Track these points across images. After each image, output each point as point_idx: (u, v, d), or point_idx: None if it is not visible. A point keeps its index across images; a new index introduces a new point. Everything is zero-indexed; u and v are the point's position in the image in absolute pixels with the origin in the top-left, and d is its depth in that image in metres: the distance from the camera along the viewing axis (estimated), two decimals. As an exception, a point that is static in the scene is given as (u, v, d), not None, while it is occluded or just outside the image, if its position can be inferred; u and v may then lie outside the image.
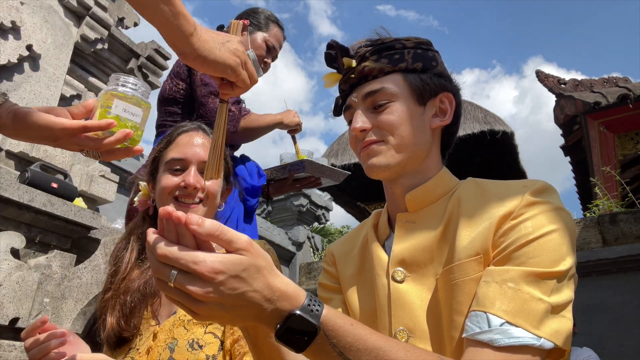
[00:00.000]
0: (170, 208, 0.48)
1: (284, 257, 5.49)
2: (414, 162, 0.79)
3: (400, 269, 0.75)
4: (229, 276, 0.47)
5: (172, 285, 0.47)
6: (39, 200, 1.98)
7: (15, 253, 1.84)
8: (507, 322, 0.59)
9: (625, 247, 3.00)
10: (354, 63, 0.82)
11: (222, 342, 0.88)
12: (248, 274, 0.48)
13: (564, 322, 0.60)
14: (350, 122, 0.84)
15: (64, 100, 2.78)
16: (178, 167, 1.02)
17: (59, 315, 1.84)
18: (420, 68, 0.81)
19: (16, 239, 1.86)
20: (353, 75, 0.82)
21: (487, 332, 0.59)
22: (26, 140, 0.79)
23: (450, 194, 0.79)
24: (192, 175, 1.00)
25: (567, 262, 0.63)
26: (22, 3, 2.56)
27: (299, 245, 5.64)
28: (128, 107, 0.76)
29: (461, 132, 4.41)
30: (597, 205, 4.12)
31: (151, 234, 0.49)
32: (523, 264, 0.63)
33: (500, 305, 0.60)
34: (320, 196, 6.27)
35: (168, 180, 1.01)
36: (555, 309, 0.60)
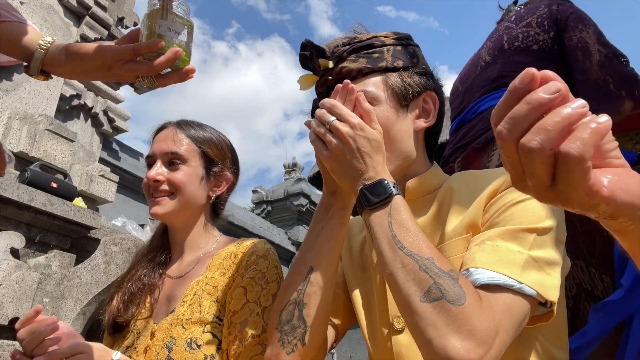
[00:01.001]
0: (348, 81, 0.71)
1: (283, 257, 5.49)
2: (402, 168, 0.78)
3: None
4: (365, 136, 0.67)
5: (328, 127, 0.68)
6: (39, 200, 1.98)
7: (14, 253, 1.84)
8: (488, 269, 0.60)
9: (624, 247, 2.99)
10: (330, 64, 0.79)
11: (221, 342, 0.88)
12: (375, 144, 0.68)
13: (548, 278, 0.60)
14: None
15: (64, 100, 2.78)
16: (150, 164, 1.02)
17: (58, 315, 1.84)
18: (401, 66, 0.78)
19: (16, 239, 1.86)
20: (330, 77, 0.79)
21: (468, 276, 0.60)
22: (82, 76, 0.78)
23: (442, 185, 0.79)
24: (153, 169, 0.99)
25: (547, 222, 0.63)
26: (21, 3, 2.56)
27: (298, 245, 5.64)
28: (172, 25, 0.74)
29: (461, 132, 4.41)
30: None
31: (325, 99, 0.71)
32: (504, 226, 0.64)
33: (479, 258, 0.61)
34: (320, 196, 6.27)
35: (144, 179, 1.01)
36: (537, 262, 0.60)
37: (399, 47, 0.80)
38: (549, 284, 0.60)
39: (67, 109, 2.85)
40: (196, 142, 1.02)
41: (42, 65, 0.77)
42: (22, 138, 2.32)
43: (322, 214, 0.76)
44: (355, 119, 0.67)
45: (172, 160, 0.99)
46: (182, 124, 1.05)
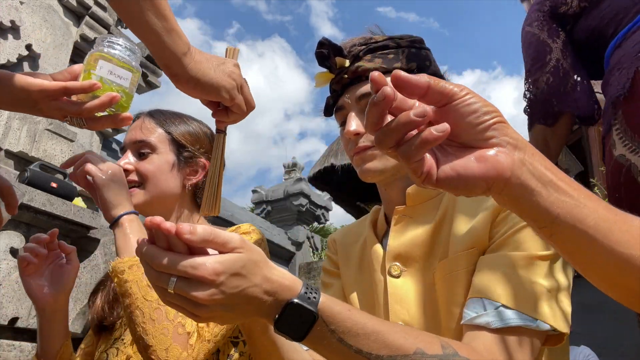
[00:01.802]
0: (159, 219, 0.46)
1: (283, 257, 5.49)
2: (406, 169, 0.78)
3: (396, 263, 0.75)
4: (230, 275, 0.47)
5: (172, 292, 0.47)
6: (38, 199, 1.98)
7: (14, 253, 1.84)
8: (503, 305, 0.59)
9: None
10: (347, 63, 0.80)
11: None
12: (247, 270, 0.49)
13: (561, 306, 0.60)
14: (342, 124, 0.83)
15: (64, 100, 2.78)
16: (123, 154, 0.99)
17: (58, 315, 1.85)
18: (414, 68, 0.80)
19: (15, 239, 1.86)
20: (346, 76, 0.80)
21: (483, 316, 0.59)
22: (5, 107, 0.72)
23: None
24: (121, 160, 0.95)
25: None
26: (21, 2, 2.56)
27: (298, 245, 5.64)
28: (115, 69, 0.69)
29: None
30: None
31: (142, 244, 0.48)
32: (515, 250, 0.63)
33: (495, 289, 0.60)
34: (320, 196, 6.27)
35: None
36: (551, 292, 0.60)
37: (413, 50, 0.81)
38: (562, 313, 0.60)
39: (67, 108, 2.85)
40: (166, 128, 0.98)
41: None
42: (21, 138, 2.32)
43: (249, 341, 0.66)
44: (202, 269, 0.46)
45: (141, 150, 0.96)
46: (154, 113, 1.01)
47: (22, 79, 0.68)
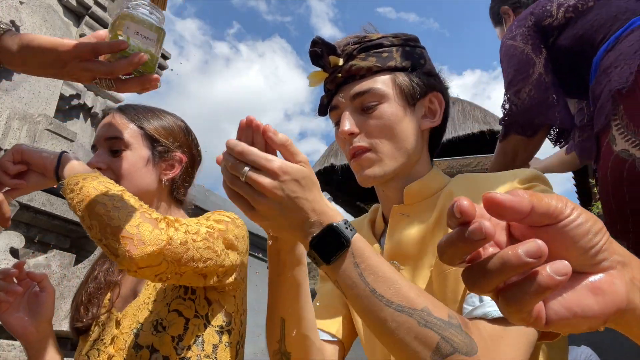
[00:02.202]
0: (252, 117, 0.56)
1: (283, 257, 5.49)
2: (406, 166, 0.78)
3: (394, 262, 0.75)
4: (292, 179, 0.55)
5: (243, 179, 0.55)
6: (38, 199, 1.98)
7: (14, 253, 1.84)
8: None
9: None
10: (340, 62, 0.79)
11: (188, 320, 0.84)
12: (305, 182, 0.56)
13: None
14: (337, 123, 0.83)
15: (64, 100, 2.78)
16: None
17: (58, 314, 1.84)
18: (409, 67, 0.79)
19: (15, 239, 1.86)
20: (340, 75, 0.79)
21: (480, 307, 0.60)
22: (33, 70, 0.72)
23: (442, 189, 0.79)
24: (93, 158, 0.93)
25: None
26: (21, 2, 2.56)
27: (298, 245, 5.63)
28: (141, 30, 0.69)
29: (460, 132, 4.41)
30: (597, 206, 4.13)
31: (230, 140, 0.57)
32: None
33: None
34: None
35: None
36: None
37: (407, 48, 0.81)
38: None
39: (67, 108, 2.85)
40: (138, 123, 0.95)
41: None
42: (21, 138, 2.32)
43: (274, 262, 0.70)
44: (273, 162, 0.54)
45: (114, 147, 0.93)
46: (124, 108, 0.98)
47: (51, 40, 0.68)
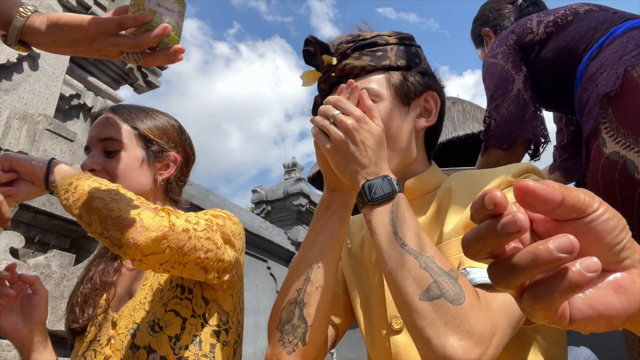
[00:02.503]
0: (352, 80, 0.73)
1: (283, 257, 5.49)
2: (402, 166, 0.78)
3: None
4: (368, 130, 0.68)
5: (332, 120, 0.69)
6: (38, 199, 1.98)
7: (14, 253, 1.84)
8: (484, 268, 0.60)
9: (624, 247, 3.00)
10: (334, 61, 0.79)
11: (185, 320, 0.84)
12: (377, 139, 0.68)
13: None
14: None
15: (64, 100, 2.78)
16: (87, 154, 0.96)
17: (57, 314, 1.84)
18: (403, 66, 0.79)
19: (15, 239, 1.86)
20: (334, 74, 0.79)
21: (465, 275, 0.61)
22: (62, 49, 0.73)
23: (440, 186, 0.79)
24: (87, 159, 0.93)
25: None
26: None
27: (298, 245, 5.63)
28: (162, 1, 0.70)
29: (460, 132, 4.41)
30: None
31: (330, 96, 0.72)
32: None
33: None
34: (320, 196, 6.27)
35: None
36: None
37: (402, 47, 0.80)
38: None
39: (67, 108, 2.85)
40: (131, 123, 0.95)
41: (20, 34, 0.71)
42: (21, 138, 2.32)
43: (322, 212, 0.77)
44: (359, 112, 0.69)
45: (108, 148, 0.92)
46: (117, 108, 0.98)
47: (78, 17, 0.70)
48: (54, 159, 0.81)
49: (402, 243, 0.61)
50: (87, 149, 0.96)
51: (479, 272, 0.60)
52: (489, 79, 1.29)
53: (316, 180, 5.22)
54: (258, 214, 6.02)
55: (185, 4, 0.74)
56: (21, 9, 0.71)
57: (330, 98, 0.71)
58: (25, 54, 2.55)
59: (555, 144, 1.47)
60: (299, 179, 6.15)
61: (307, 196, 5.94)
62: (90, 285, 0.93)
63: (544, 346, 0.67)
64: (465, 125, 4.53)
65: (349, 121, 0.67)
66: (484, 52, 1.57)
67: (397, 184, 0.66)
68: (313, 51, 0.79)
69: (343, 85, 0.72)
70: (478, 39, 1.60)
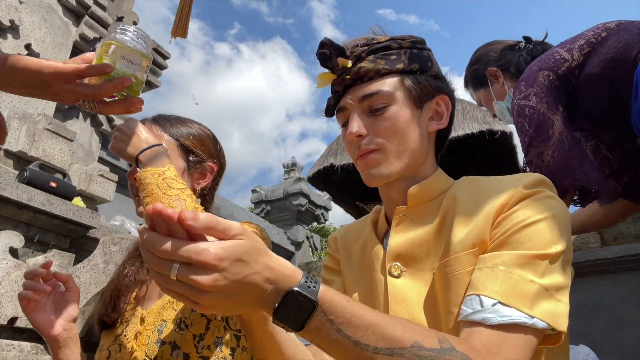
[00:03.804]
0: (160, 205, 0.47)
1: (283, 257, 5.49)
2: (412, 167, 0.79)
3: (396, 263, 0.75)
4: (233, 261, 0.48)
5: (174, 278, 0.47)
6: (38, 199, 1.98)
7: (14, 252, 1.84)
8: (499, 302, 0.59)
9: (624, 247, 3.00)
10: (349, 64, 0.79)
11: (209, 321, 0.87)
12: (249, 256, 0.49)
13: (559, 305, 0.60)
14: (344, 125, 0.83)
15: (63, 100, 2.78)
16: (132, 164, 0.98)
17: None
18: (417, 69, 0.80)
19: (15, 239, 1.86)
20: (348, 77, 0.80)
21: (480, 312, 0.60)
22: (18, 90, 0.73)
23: (446, 192, 0.79)
24: (133, 168, 0.95)
25: (559, 246, 0.63)
26: (20, 2, 2.55)
27: (297, 245, 5.63)
28: (127, 54, 0.71)
29: (460, 132, 4.41)
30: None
31: (143, 232, 0.48)
32: (515, 249, 0.63)
33: (492, 287, 0.61)
34: (319, 196, 6.26)
35: None
36: (548, 291, 0.61)
37: (415, 51, 0.81)
38: (560, 312, 0.60)
39: (66, 108, 2.85)
40: (173, 135, 0.99)
41: None
42: (21, 137, 2.32)
43: (249, 332, 0.67)
44: (206, 254, 0.46)
45: None
46: (158, 119, 1.01)
47: (37, 61, 0.70)
48: (161, 144, 0.89)
49: (374, 349, 0.52)
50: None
51: (495, 310, 0.59)
52: (523, 123, 1.22)
53: (316, 180, 5.21)
54: (258, 214, 6.02)
55: (151, 58, 0.76)
56: None
57: (154, 246, 0.47)
58: (25, 53, 2.54)
59: (602, 174, 1.34)
60: (299, 179, 6.15)
61: (306, 196, 5.94)
62: (125, 281, 0.97)
63: (544, 352, 0.67)
64: (465, 125, 4.52)
65: (202, 279, 0.46)
66: (488, 93, 1.49)
67: (308, 285, 0.51)
68: (328, 54, 0.80)
69: (149, 209, 0.48)
70: (480, 80, 1.51)
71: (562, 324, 0.60)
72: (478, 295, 0.61)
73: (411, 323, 0.56)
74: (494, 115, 1.51)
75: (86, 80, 0.71)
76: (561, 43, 1.30)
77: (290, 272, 0.52)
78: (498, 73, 1.46)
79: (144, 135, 0.88)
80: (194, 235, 0.48)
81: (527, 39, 1.49)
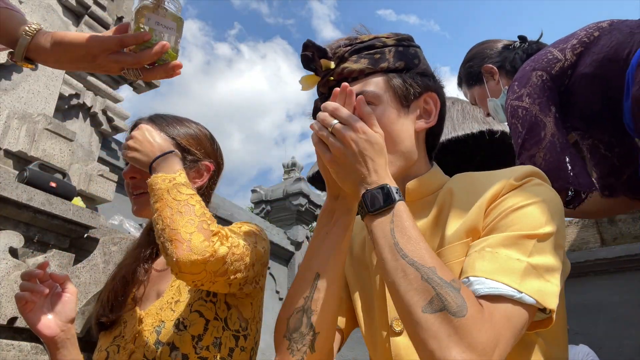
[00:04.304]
0: (347, 84, 0.70)
1: (282, 257, 5.49)
2: (403, 169, 0.78)
3: None
4: (367, 139, 0.67)
5: (330, 130, 0.68)
6: (38, 199, 1.98)
7: (13, 252, 1.84)
8: (487, 278, 0.60)
9: (623, 247, 3.01)
10: (332, 64, 0.79)
11: (208, 321, 0.87)
12: (376, 147, 0.68)
13: (547, 285, 0.60)
14: None
15: (63, 100, 2.78)
16: (127, 163, 1.00)
17: (57, 314, 1.84)
18: (402, 67, 0.79)
19: (15, 239, 1.86)
20: (332, 78, 0.79)
21: (469, 286, 0.60)
22: (66, 65, 0.78)
23: (442, 187, 0.79)
24: (128, 167, 0.98)
25: (547, 228, 0.63)
26: (20, 2, 2.55)
27: (297, 245, 5.63)
28: (161, 20, 0.74)
29: (460, 132, 4.40)
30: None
31: (326, 102, 0.70)
32: (504, 232, 0.64)
33: (479, 267, 0.61)
34: (319, 196, 6.26)
35: None
36: (537, 270, 0.60)
37: (400, 48, 0.80)
38: (549, 291, 0.60)
39: (66, 108, 2.85)
40: (170, 134, 0.99)
41: (26, 52, 0.76)
42: (20, 137, 2.32)
43: (326, 218, 0.77)
44: (357, 122, 0.68)
45: None
46: (155, 118, 1.02)
47: (81, 35, 0.74)
48: (173, 151, 0.91)
49: (403, 254, 0.61)
50: None
51: (483, 282, 0.59)
52: (516, 124, 1.23)
53: (316, 180, 5.21)
54: (257, 214, 6.02)
55: (182, 20, 0.77)
56: (27, 28, 0.76)
57: (328, 105, 0.70)
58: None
59: (600, 172, 1.35)
60: (299, 179, 6.14)
61: (306, 196, 5.94)
62: (122, 282, 0.97)
63: (544, 348, 0.67)
64: (464, 125, 4.52)
65: (347, 132, 0.67)
66: (483, 90, 1.49)
67: (397, 193, 0.66)
68: (311, 55, 0.79)
69: (337, 89, 0.71)
70: (475, 78, 1.51)
71: (551, 302, 0.59)
72: (467, 277, 0.62)
73: (443, 263, 0.62)
74: (488, 114, 1.50)
75: (127, 49, 0.74)
76: (554, 43, 1.30)
77: (391, 180, 0.68)
78: (494, 70, 1.46)
79: (157, 143, 0.90)
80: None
81: (522, 38, 1.49)
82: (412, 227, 0.63)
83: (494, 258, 0.61)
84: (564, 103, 1.22)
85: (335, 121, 0.68)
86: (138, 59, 0.72)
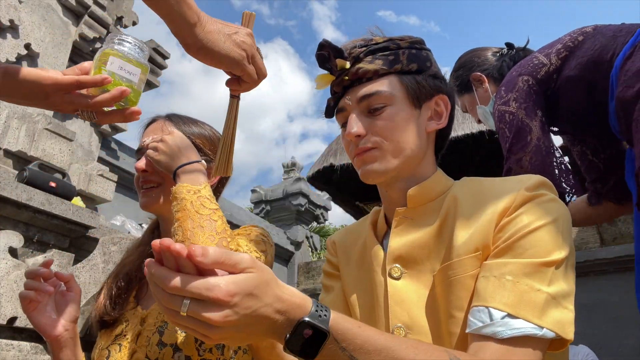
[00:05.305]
0: (168, 241, 0.46)
1: (282, 257, 5.49)
2: (410, 166, 0.79)
3: (396, 265, 0.75)
4: (244, 296, 0.47)
5: (184, 314, 0.46)
6: (37, 199, 1.98)
7: (13, 252, 1.84)
8: (509, 314, 0.60)
9: (623, 247, 3.01)
10: (347, 64, 0.80)
11: None
12: (260, 290, 0.49)
13: (565, 313, 0.61)
14: (343, 125, 0.83)
15: (63, 99, 2.78)
16: (139, 158, 1.00)
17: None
18: (415, 69, 0.80)
19: (14, 238, 1.86)
20: (347, 77, 0.80)
21: (490, 326, 0.60)
22: (16, 100, 0.75)
23: (446, 193, 0.79)
24: (141, 160, 0.97)
25: (563, 251, 0.64)
26: (20, 1, 2.55)
27: (297, 245, 5.63)
28: (124, 65, 0.72)
29: (460, 132, 4.41)
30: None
31: (152, 266, 0.48)
32: (519, 256, 0.64)
33: (500, 298, 0.61)
34: (319, 196, 6.26)
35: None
36: (556, 299, 0.61)
37: (413, 51, 0.82)
38: (567, 320, 0.61)
39: (66, 108, 2.85)
40: (185, 132, 0.99)
41: None
42: (20, 137, 2.32)
43: (256, 356, 0.73)
44: (217, 290, 0.46)
45: None
46: (172, 117, 1.02)
47: (36, 72, 0.71)
48: (200, 160, 0.91)
49: None
50: (139, 151, 1.00)
51: (505, 323, 0.59)
52: (504, 129, 1.25)
53: (316, 180, 5.21)
54: (257, 214, 6.02)
55: (147, 69, 0.76)
56: None
57: (163, 283, 0.47)
58: (24, 53, 2.55)
59: (589, 178, 1.37)
60: (298, 179, 6.15)
61: (306, 196, 5.94)
62: (125, 280, 0.97)
63: (547, 355, 0.67)
64: (464, 125, 4.52)
65: (213, 315, 0.46)
66: (472, 98, 1.51)
67: (319, 314, 0.51)
68: (327, 55, 0.81)
69: (156, 243, 0.48)
70: (464, 86, 1.52)
71: (570, 333, 0.60)
72: (487, 307, 0.61)
73: (422, 344, 0.56)
74: (479, 121, 1.53)
75: (84, 91, 0.72)
76: (540, 48, 1.33)
77: (300, 302, 0.51)
78: (482, 78, 1.48)
79: (185, 150, 0.90)
80: (203, 270, 0.47)
81: (510, 45, 1.52)
82: (369, 336, 0.53)
83: (515, 289, 0.61)
84: (551, 107, 1.24)
85: (186, 302, 0.46)
86: (94, 102, 0.69)
